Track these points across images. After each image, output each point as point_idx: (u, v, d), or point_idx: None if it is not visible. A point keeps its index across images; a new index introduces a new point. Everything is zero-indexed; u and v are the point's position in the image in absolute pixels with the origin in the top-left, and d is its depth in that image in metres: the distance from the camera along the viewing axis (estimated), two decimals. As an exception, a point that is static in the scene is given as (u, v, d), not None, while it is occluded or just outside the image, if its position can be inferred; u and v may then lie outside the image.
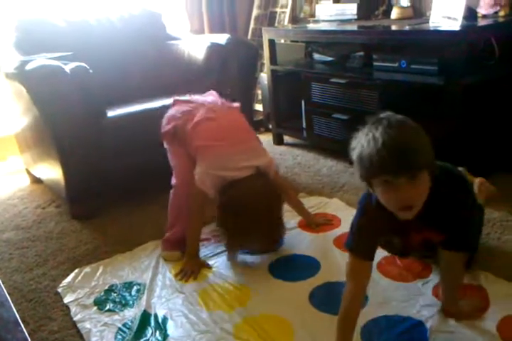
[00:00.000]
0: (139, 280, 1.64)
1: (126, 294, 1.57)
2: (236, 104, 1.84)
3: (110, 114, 2.12)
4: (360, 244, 1.18)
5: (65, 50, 2.28)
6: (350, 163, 1.09)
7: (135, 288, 1.60)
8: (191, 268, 1.65)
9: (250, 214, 1.54)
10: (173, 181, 1.78)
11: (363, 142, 1.02)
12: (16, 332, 0.86)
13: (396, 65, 2.21)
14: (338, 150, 2.48)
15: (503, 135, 2.17)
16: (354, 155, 1.05)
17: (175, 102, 1.84)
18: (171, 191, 1.78)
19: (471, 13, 2.10)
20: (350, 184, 2.25)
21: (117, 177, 2.16)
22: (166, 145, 1.82)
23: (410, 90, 2.11)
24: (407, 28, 2.19)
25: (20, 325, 0.88)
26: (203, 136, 1.67)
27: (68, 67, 1.97)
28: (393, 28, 2.27)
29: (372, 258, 1.19)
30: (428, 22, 2.20)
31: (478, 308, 1.32)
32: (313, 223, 1.86)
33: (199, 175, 1.61)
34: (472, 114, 1.99)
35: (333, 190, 2.21)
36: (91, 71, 2.03)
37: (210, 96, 1.85)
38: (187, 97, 1.86)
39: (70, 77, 1.95)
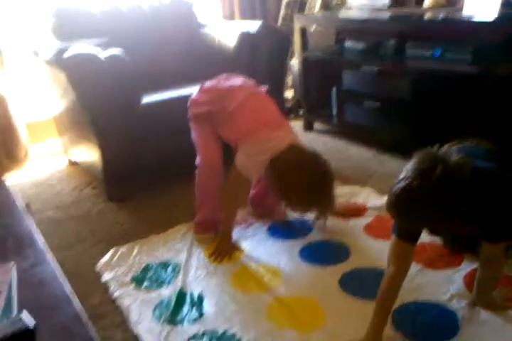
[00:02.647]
0: (175, 260, 1.70)
1: (162, 273, 1.64)
2: (264, 87, 1.84)
3: (144, 100, 2.18)
4: (404, 227, 1.19)
5: (100, 37, 2.35)
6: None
7: (170, 267, 1.67)
8: (225, 250, 1.72)
9: (308, 173, 1.53)
10: (198, 160, 1.79)
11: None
12: (68, 307, 0.91)
13: (429, 53, 2.20)
14: (368, 137, 2.49)
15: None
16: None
17: (201, 88, 1.84)
18: (196, 171, 1.80)
19: (507, 3, 2.07)
20: (380, 172, 2.27)
21: (150, 161, 2.23)
22: (192, 125, 1.82)
23: (443, 79, 2.11)
24: (440, 16, 2.17)
25: (71, 300, 0.94)
26: (247, 121, 1.67)
27: (104, 55, 2.03)
28: (427, 16, 2.26)
29: (416, 241, 1.21)
30: (462, 11, 2.18)
31: (511, 299, 1.33)
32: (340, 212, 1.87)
33: (243, 160, 1.62)
34: (506, 105, 1.98)
35: (364, 177, 2.23)
36: (127, 58, 2.09)
37: (238, 80, 1.82)
38: (213, 82, 1.83)
39: (105, 65, 2.00)
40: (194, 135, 1.82)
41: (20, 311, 0.81)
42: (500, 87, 1.93)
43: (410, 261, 1.23)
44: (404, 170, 1.08)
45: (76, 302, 0.95)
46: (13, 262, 1.04)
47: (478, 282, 1.32)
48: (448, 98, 2.14)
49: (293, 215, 1.90)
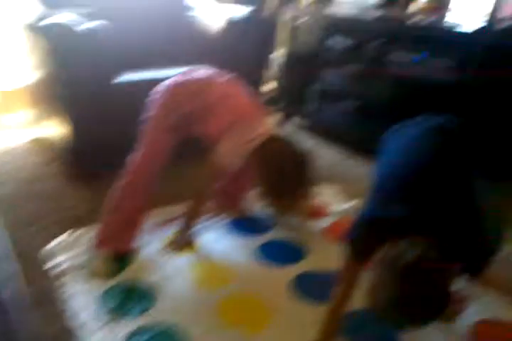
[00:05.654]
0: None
1: (114, 262, 1.59)
2: (232, 76, 1.75)
3: (118, 79, 2.12)
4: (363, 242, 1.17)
5: (88, 7, 2.27)
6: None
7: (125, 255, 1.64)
8: (182, 242, 1.70)
9: (294, 160, 1.56)
10: (138, 155, 1.65)
11: None
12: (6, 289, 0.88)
13: (411, 58, 2.19)
14: (344, 137, 2.48)
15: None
16: None
17: (170, 89, 1.68)
18: (130, 168, 1.65)
19: (492, 15, 2.06)
20: (349, 173, 2.27)
21: (120, 142, 2.16)
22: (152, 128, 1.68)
23: (424, 84, 2.10)
24: (427, 22, 2.16)
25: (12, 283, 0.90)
26: (230, 113, 1.62)
27: (83, 27, 1.95)
28: (413, 20, 2.24)
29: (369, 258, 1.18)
30: (448, 18, 2.17)
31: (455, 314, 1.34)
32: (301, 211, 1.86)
33: (228, 147, 1.59)
34: (484, 113, 1.98)
35: (332, 177, 2.23)
36: (107, 33, 2.02)
37: (207, 72, 1.73)
38: (180, 78, 1.70)
39: (80, 38, 1.93)
40: (146, 129, 1.68)
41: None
42: (479, 96, 1.93)
43: (360, 276, 1.22)
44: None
45: (16, 286, 0.91)
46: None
47: None
48: (428, 104, 2.13)
49: (256, 210, 1.88)
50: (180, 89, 1.68)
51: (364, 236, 1.18)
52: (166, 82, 1.71)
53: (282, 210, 1.76)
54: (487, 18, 2.03)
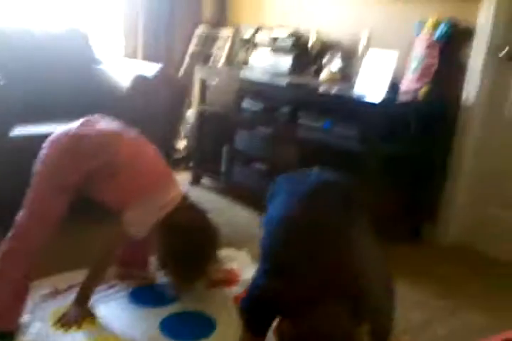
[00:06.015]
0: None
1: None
2: (137, 131, 1.61)
3: (13, 133, 1.96)
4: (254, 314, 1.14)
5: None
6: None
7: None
8: (76, 316, 1.49)
9: (200, 239, 1.51)
10: (21, 215, 1.43)
11: None
12: None
13: (319, 124, 2.24)
14: (254, 199, 2.45)
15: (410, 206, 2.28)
16: None
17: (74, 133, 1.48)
18: (12, 234, 1.43)
19: (393, 87, 2.23)
20: (260, 236, 2.21)
21: (12, 198, 1.96)
22: (40, 168, 1.45)
23: (331, 151, 2.15)
24: (332, 91, 2.26)
25: None
26: (138, 180, 1.47)
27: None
28: (320, 89, 2.34)
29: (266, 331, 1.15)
30: (353, 88, 2.30)
31: None
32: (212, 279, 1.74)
33: (133, 218, 1.46)
34: (386, 182, 2.06)
35: (242, 240, 2.16)
36: (1, 82, 1.88)
37: (110, 124, 1.56)
38: (80, 125, 1.51)
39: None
40: (36, 186, 1.45)
41: None
42: (381, 166, 2.01)
43: None
44: None
45: None
46: None
47: None
48: (333, 170, 2.18)
49: (159, 279, 1.74)
50: (81, 140, 1.46)
51: (253, 308, 1.14)
52: (60, 133, 1.49)
53: (183, 281, 1.62)
54: (389, 90, 2.18)
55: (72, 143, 1.46)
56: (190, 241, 1.48)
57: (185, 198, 1.58)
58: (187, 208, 1.55)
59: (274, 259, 1.21)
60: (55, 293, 1.64)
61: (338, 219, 1.26)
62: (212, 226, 1.57)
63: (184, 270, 1.54)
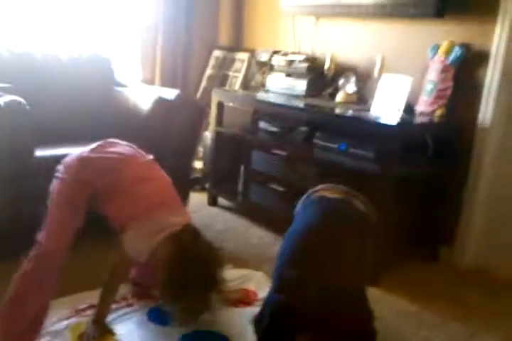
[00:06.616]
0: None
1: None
2: (151, 156, 1.69)
3: (38, 153, 2.01)
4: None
5: (5, 81, 2.20)
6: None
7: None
8: (94, 334, 1.51)
9: (202, 269, 1.47)
10: (44, 244, 1.49)
11: None
12: None
13: (335, 146, 2.26)
14: (271, 220, 2.47)
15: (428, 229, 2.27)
16: None
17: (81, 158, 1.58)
18: (34, 254, 1.48)
19: (409, 109, 2.25)
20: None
21: (36, 220, 2.00)
22: (58, 192, 1.53)
23: (347, 172, 2.16)
24: (348, 113, 2.29)
25: None
26: (144, 200, 1.52)
27: (1, 101, 1.88)
28: (336, 111, 2.37)
29: None
30: (369, 110, 2.33)
31: None
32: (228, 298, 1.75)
33: (133, 240, 1.48)
34: (402, 204, 2.07)
35: (259, 261, 2.16)
36: (27, 106, 1.95)
37: (126, 149, 1.65)
38: (96, 149, 1.60)
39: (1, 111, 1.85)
40: (55, 209, 1.52)
41: None
42: (397, 187, 2.01)
43: None
44: None
45: None
46: None
47: None
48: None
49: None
50: (89, 165, 1.55)
51: (267, 326, 1.14)
52: (72, 157, 1.59)
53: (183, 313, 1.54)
54: (405, 112, 2.21)
55: (80, 167, 1.55)
56: (190, 271, 1.44)
57: (189, 225, 1.55)
58: (189, 237, 1.51)
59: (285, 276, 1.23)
60: (75, 312, 1.67)
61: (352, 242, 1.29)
62: (214, 251, 1.53)
63: (184, 301, 1.48)
